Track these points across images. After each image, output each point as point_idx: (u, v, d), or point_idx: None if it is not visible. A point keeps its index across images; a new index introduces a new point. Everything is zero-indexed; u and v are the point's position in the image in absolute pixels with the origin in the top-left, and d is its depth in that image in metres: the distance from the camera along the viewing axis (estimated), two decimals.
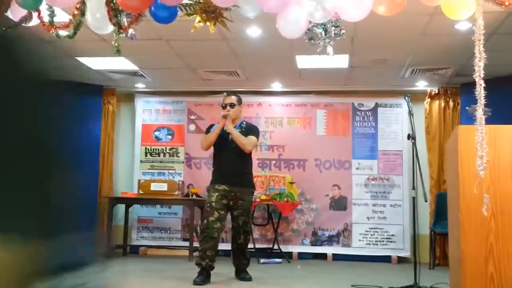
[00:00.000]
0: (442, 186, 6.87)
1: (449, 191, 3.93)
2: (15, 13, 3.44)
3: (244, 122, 4.91)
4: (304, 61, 6.06)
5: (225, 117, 4.69)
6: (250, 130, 4.83)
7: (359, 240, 7.11)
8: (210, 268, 4.62)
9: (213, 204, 4.59)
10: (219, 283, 4.69)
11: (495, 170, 3.19)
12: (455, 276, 3.59)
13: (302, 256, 7.12)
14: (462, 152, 3.23)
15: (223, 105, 4.82)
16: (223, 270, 4.91)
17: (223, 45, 5.53)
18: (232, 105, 4.77)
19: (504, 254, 3.14)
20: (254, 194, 6.73)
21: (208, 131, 4.88)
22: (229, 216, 4.77)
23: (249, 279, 4.76)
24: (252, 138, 4.73)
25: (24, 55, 0.77)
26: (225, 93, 4.99)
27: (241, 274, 4.80)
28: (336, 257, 7.06)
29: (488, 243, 3.16)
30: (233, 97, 4.85)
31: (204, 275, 4.58)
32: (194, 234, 6.97)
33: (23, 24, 3.50)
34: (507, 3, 2.80)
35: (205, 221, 4.63)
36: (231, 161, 4.67)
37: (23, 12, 3.41)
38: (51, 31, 3.44)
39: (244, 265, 4.82)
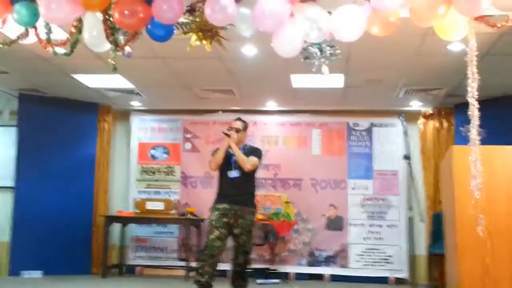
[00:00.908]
0: (438, 206, 6.83)
1: (445, 211, 3.93)
2: (12, 30, 3.45)
3: (247, 145, 4.97)
4: (299, 81, 6.09)
5: (228, 135, 4.72)
6: (251, 151, 4.87)
7: (357, 260, 7.06)
8: (209, 285, 4.57)
9: (213, 222, 4.58)
10: None
11: (490, 190, 3.19)
12: None
13: (299, 276, 7.06)
14: (457, 172, 3.24)
15: (230, 128, 4.86)
16: None
17: (219, 63, 5.56)
18: (238, 131, 4.82)
19: (500, 275, 3.13)
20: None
21: (213, 152, 4.92)
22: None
23: None
24: (252, 158, 4.77)
25: None
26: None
27: None
28: (334, 277, 7.01)
29: (485, 264, 3.15)
30: (239, 122, 4.88)
31: None
32: (191, 253, 6.91)
33: (20, 41, 3.51)
34: (499, 25, 2.83)
35: (206, 239, 4.64)
36: (233, 181, 4.71)
37: (20, 29, 3.42)
38: (48, 48, 3.43)
39: (242, 286, 4.74)
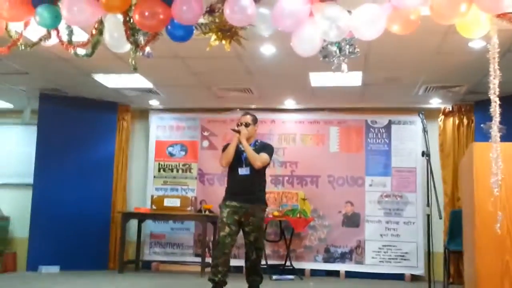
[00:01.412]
0: (457, 203, 6.82)
1: (464, 208, 3.92)
2: (34, 32, 3.51)
3: (258, 141, 4.95)
4: (317, 79, 6.09)
5: (237, 131, 4.72)
6: (263, 148, 4.86)
7: (372, 257, 7.06)
8: (223, 283, 4.61)
9: (224, 219, 4.61)
10: None
11: (510, 188, 3.17)
12: None
13: (314, 273, 7.08)
14: (477, 169, 3.22)
15: (238, 123, 4.86)
16: (236, 286, 4.89)
17: (237, 63, 5.58)
18: (247, 125, 4.81)
19: None
20: (266, 210, 6.76)
21: (224, 148, 4.94)
22: (241, 233, 4.77)
23: None
24: (263, 155, 4.76)
25: None
26: (241, 111, 5.00)
27: None
28: (349, 274, 7.01)
29: (504, 261, 3.14)
30: (249, 116, 4.87)
31: None
32: (207, 249, 6.98)
33: (42, 43, 3.57)
34: None
35: (217, 236, 4.68)
36: (244, 178, 4.70)
37: (42, 31, 3.48)
38: (69, 50, 3.49)
39: (257, 282, 4.79)
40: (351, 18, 2.95)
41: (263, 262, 6.43)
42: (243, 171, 4.71)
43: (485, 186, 3.05)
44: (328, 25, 2.93)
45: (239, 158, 4.75)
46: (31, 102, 7.35)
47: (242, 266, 6.80)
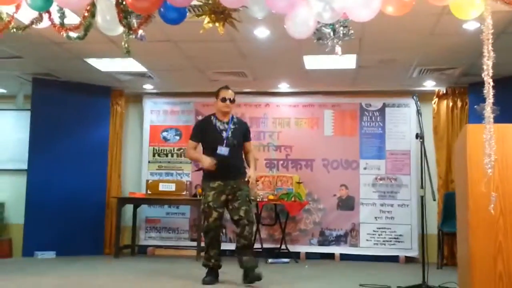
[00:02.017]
0: (450, 185, 6.87)
1: (457, 190, 3.94)
2: (25, 15, 3.47)
3: (235, 118, 4.85)
4: (312, 62, 6.07)
5: (212, 167, 4.54)
6: (242, 127, 4.80)
7: (367, 240, 7.12)
8: (218, 267, 4.64)
9: (210, 204, 4.55)
10: (228, 282, 4.72)
11: (504, 168, 3.19)
12: (463, 275, 3.59)
13: (309, 256, 7.13)
14: (471, 150, 3.24)
15: (223, 98, 4.72)
16: (231, 269, 4.92)
17: (231, 46, 5.55)
18: (233, 100, 4.76)
19: None
20: (261, 194, 6.79)
21: (198, 127, 4.83)
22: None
23: (258, 278, 4.41)
24: (251, 148, 4.87)
25: None
26: (226, 87, 4.85)
27: (250, 273, 4.46)
28: (344, 257, 7.07)
29: (497, 242, 3.17)
30: (232, 91, 4.79)
31: (213, 275, 4.61)
32: (202, 234, 7.00)
33: (34, 26, 3.54)
34: None
35: (206, 222, 4.61)
36: (229, 158, 4.59)
37: (34, 14, 3.44)
38: (61, 33, 3.46)
39: (252, 261, 4.50)
40: None
41: (258, 245, 6.51)
42: (222, 150, 4.58)
43: (479, 167, 3.07)
44: (322, 7, 2.91)
45: (219, 137, 4.63)
46: (24, 87, 7.30)
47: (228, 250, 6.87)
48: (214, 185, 4.59)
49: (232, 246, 6.15)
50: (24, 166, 7.08)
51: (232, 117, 4.79)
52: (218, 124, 4.69)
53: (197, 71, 6.64)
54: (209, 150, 4.66)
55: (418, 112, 4.47)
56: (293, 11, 3.04)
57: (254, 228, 4.80)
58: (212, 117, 4.78)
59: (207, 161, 4.57)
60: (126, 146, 7.83)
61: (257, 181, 4.88)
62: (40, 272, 5.45)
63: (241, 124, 4.84)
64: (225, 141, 4.60)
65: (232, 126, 4.70)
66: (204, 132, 4.76)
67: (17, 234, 7.14)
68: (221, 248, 4.79)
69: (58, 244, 6.91)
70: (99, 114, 7.49)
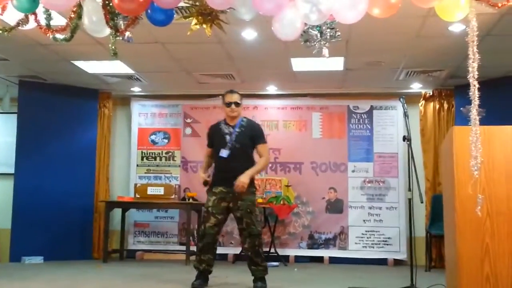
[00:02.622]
0: (438, 188, 6.90)
1: (444, 192, 3.96)
2: (11, 16, 3.44)
3: (244, 120, 4.70)
4: (299, 64, 6.08)
5: (205, 184, 4.57)
6: (252, 129, 4.65)
7: (356, 243, 7.12)
8: (208, 272, 4.60)
9: (209, 209, 4.48)
10: (216, 286, 4.69)
11: (490, 170, 3.21)
12: (451, 277, 3.60)
13: (298, 259, 7.12)
14: (457, 153, 3.25)
15: (228, 103, 4.60)
16: (221, 273, 4.90)
17: (219, 48, 5.55)
18: (237, 104, 4.59)
19: (500, 254, 3.16)
20: None
21: (208, 133, 4.84)
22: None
23: None
24: (264, 152, 4.62)
25: None
26: (230, 91, 4.70)
27: (256, 282, 4.48)
28: (333, 260, 7.07)
29: (484, 244, 3.18)
30: (237, 95, 4.62)
31: (202, 278, 4.57)
32: (191, 238, 6.97)
33: (20, 28, 3.50)
34: (500, 5, 2.83)
35: (202, 227, 4.56)
36: (230, 162, 4.50)
37: (20, 15, 3.41)
38: (48, 34, 3.43)
39: (258, 271, 4.49)
40: (332, 1, 2.93)
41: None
42: (223, 153, 4.52)
43: (465, 169, 3.09)
44: (309, 8, 2.92)
45: (223, 140, 4.56)
46: (10, 90, 7.23)
47: (225, 254, 6.86)
48: (216, 190, 4.52)
49: (222, 250, 6.15)
50: (11, 170, 7.01)
51: (241, 120, 4.67)
52: (224, 128, 4.64)
53: (185, 73, 6.63)
54: (215, 152, 4.63)
55: (405, 114, 4.48)
56: (280, 13, 3.05)
57: (259, 240, 4.50)
58: (222, 122, 4.74)
59: (200, 176, 4.70)
60: (114, 149, 7.77)
61: (251, 184, 4.64)
62: (27, 277, 5.38)
63: (250, 127, 4.68)
64: (227, 144, 4.55)
65: (237, 130, 4.59)
66: (212, 137, 4.76)
67: (4, 239, 7.05)
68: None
69: (46, 249, 6.83)
70: (86, 117, 7.44)
